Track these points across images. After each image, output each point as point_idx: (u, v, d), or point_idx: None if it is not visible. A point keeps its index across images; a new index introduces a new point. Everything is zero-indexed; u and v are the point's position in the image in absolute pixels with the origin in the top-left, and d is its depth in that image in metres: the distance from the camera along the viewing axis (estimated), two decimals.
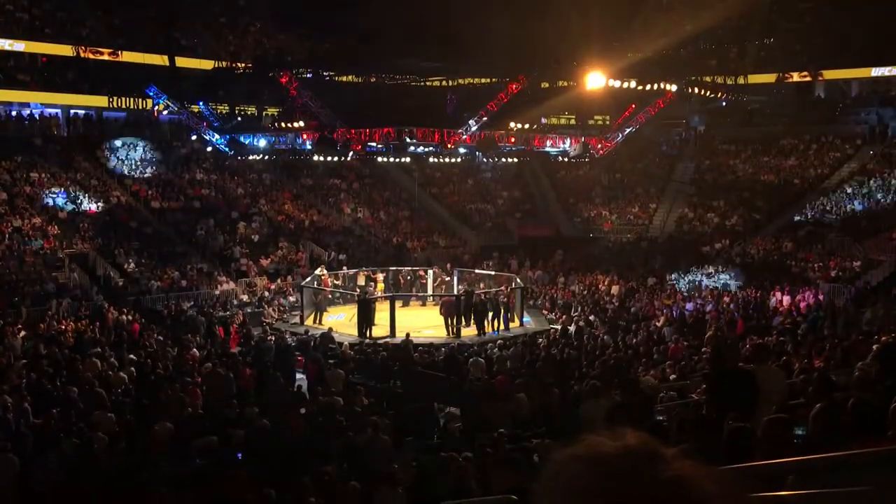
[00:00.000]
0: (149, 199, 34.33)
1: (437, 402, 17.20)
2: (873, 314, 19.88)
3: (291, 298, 29.73)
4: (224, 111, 39.25)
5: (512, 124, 36.36)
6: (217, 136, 35.20)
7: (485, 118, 31.71)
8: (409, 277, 31.18)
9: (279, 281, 31.13)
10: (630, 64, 35.30)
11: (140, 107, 39.48)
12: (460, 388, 16.51)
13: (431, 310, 27.54)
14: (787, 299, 25.79)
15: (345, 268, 31.53)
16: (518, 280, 29.74)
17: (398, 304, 26.28)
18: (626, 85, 33.44)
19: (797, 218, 35.55)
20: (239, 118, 40.23)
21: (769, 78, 46.05)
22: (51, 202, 31.27)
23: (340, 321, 26.57)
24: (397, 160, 38.72)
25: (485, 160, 40.69)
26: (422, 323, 25.66)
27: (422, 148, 35.01)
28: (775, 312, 24.08)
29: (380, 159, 38.21)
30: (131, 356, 18.84)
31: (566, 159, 39.61)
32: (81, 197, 32.39)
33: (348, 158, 37.45)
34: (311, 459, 11.28)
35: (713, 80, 41.67)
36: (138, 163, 36.51)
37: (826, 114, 43.92)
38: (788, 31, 47.22)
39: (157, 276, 28.84)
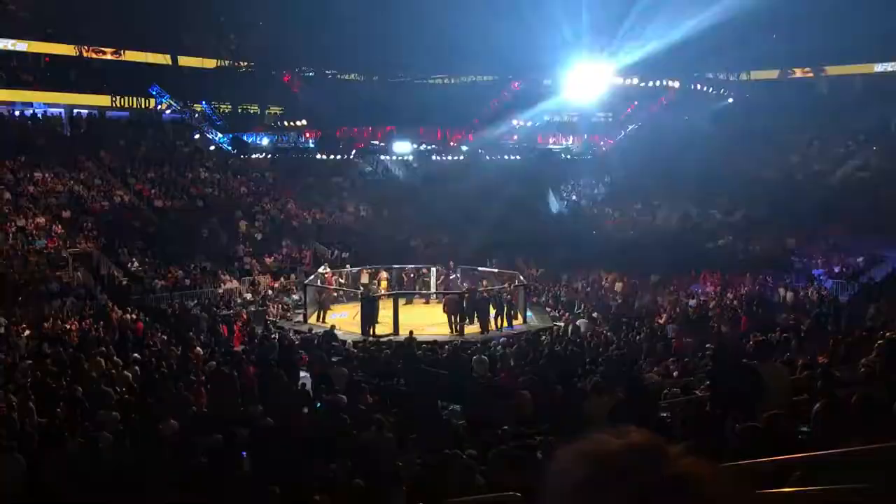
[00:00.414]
0: (152, 199, 34.36)
1: (440, 399, 17.21)
2: (877, 310, 19.84)
3: (295, 297, 29.75)
4: (227, 110, 39.29)
5: (514, 122, 36.39)
6: (220, 134, 35.25)
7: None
8: (412, 275, 31.19)
9: (282, 279, 31.15)
10: (633, 61, 35.33)
11: (143, 106, 39.56)
12: (464, 386, 16.51)
13: (435, 307, 27.53)
14: (790, 295, 25.76)
15: (348, 266, 31.52)
16: (521, 277, 29.73)
17: (401, 301, 26.29)
18: (629, 82, 33.47)
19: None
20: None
21: (772, 74, 45.98)
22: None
23: (344, 319, 26.57)
24: (400, 158, 38.72)
25: (487, 157, 40.66)
26: (425, 321, 25.65)
27: (424, 146, 35.04)
28: (779, 309, 24.07)
29: (382, 157, 38.23)
30: (135, 355, 18.85)
31: (569, 156, 39.62)
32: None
33: (351, 156, 37.48)
34: (316, 458, 11.30)
35: (716, 77, 41.64)
36: None
37: (829, 110, 43.78)
38: (791, 27, 47.08)
39: (160, 275, 28.87)
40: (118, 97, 39.50)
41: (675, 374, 16.22)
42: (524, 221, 42.17)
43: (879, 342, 11.99)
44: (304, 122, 35.00)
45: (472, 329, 25.03)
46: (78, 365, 17.46)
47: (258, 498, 9.49)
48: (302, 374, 19.28)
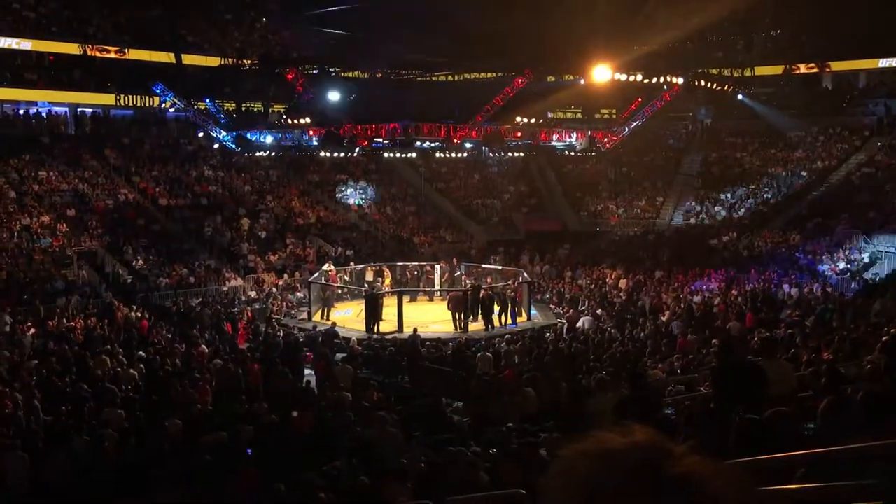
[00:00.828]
0: (156, 197, 34.41)
1: (444, 396, 17.23)
2: (882, 306, 19.78)
3: (299, 294, 29.78)
4: (230, 108, 39.29)
5: (518, 118, 36.33)
6: (224, 132, 35.26)
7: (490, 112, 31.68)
8: (415, 273, 31.19)
9: (286, 276, 31.18)
10: (636, 57, 35.25)
11: (147, 104, 39.60)
12: (468, 383, 16.52)
13: (439, 305, 27.54)
14: (795, 291, 25.72)
15: (352, 263, 31.54)
16: (525, 274, 29.71)
17: (405, 299, 26.31)
18: (632, 78, 33.39)
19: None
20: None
21: (776, 70, 45.89)
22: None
23: (348, 317, 26.61)
24: (403, 155, 38.69)
25: (491, 155, 40.64)
26: (429, 318, 25.66)
27: (428, 143, 35.00)
28: (783, 305, 24.01)
29: (386, 155, 38.21)
30: (140, 353, 18.90)
31: (572, 153, 39.59)
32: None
33: (355, 154, 37.46)
34: (321, 455, 11.32)
35: (720, 73, 41.54)
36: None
37: (833, 105, 43.68)
38: (795, 22, 46.98)
39: (165, 272, 28.93)
40: (122, 95, 39.53)
41: (679, 371, 16.22)
42: (528, 218, 42.22)
43: (884, 338, 11.98)
44: (307, 119, 34.94)
45: (476, 326, 25.04)
46: (83, 363, 17.52)
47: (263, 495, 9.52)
48: (307, 371, 19.33)
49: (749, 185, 39.46)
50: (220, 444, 11.66)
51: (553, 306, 29.68)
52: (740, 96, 41.82)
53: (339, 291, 28.58)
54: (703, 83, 37.87)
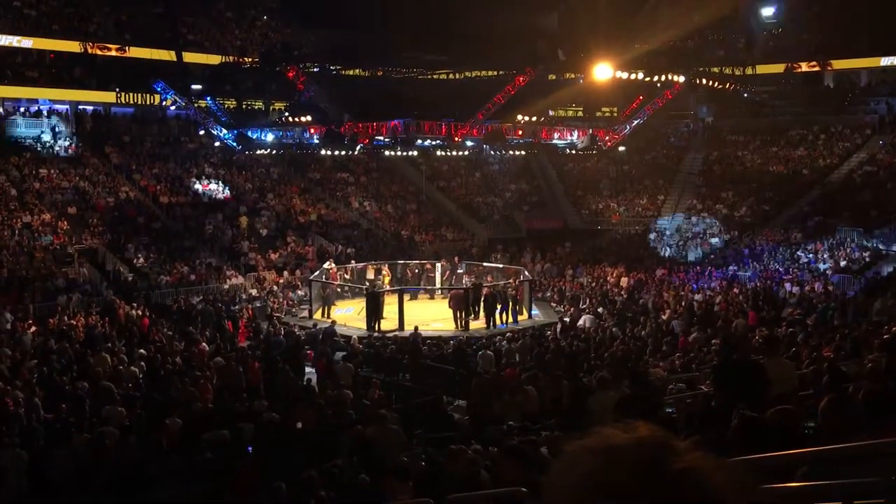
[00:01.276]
0: (157, 195, 34.41)
1: (445, 394, 17.23)
2: (883, 304, 19.80)
3: (300, 292, 29.78)
4: (231, 106, 39.29)
5: (519, 117, 36.30)
6: (224, 130, 35.25)
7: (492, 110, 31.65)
8: (416, 271, 31.15)
9: (286, 274, 31.19)
10: (637, 55, 35.20)
11: (148, 102, 39.60)
12: (469, 381, 16.52)
13: (440, 303, 27.55)
14: (796, 290, 25.73)
15: (353, 261, 31.55)
16: (526, 273, 29.71)
17: (406, 297, 26.31)
18: (633, 76, 33.35)
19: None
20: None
21: (778, 68, 45.89)
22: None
23: (349, 315, 26.61)
24: (404, 153, 38.69)
25: (492, 153, 40.62)
26: (430, 316, 25.66)
27: (429, 141, 34.98)
28: (785, 303, 24.02)
29: (387, 153, 38.21)
30: (141, 351, 18.91)
31: (574, 151, 39.56)
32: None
33: (355, 152, 37.46)
34: (321, 453, 11.32)
35: (721, 71, 41.52)
36: None
37: (835, 104, 43.70)
38: (797, 20, 46.98)
39: (166, 270, 28.94)
40: (123, 93, 39.55)
41: (680, 369, 16.22)
42: (529, 216, 42.22)
43: (885, 336, 11.97)
44: (308, 117, 34.93)
45: (477, 324, 25.04)
46: (84, 361, 17.53)
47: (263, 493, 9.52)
48: (308, 369, 19.33)
49: (750, 184, 39.44)
50: (221, 441, 11.66)
51: (554, 304, 29.69)
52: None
53: (340, 289, 28.57)
54: (704, 81, 37.83)
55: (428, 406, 15.95)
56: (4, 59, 37.93)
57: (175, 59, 38.89)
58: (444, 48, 40.19)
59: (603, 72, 31.83)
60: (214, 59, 40.51)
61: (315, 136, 34.53)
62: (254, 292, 29.16)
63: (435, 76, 40.61)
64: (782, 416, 5.21)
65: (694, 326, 21.04)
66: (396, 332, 23.28)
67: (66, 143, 35.08)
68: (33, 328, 21.21)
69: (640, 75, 33.49)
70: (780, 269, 29.38)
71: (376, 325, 24.23)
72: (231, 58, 39.37)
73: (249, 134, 34.90)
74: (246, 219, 34.38)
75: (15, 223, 28.60)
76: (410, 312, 24.92)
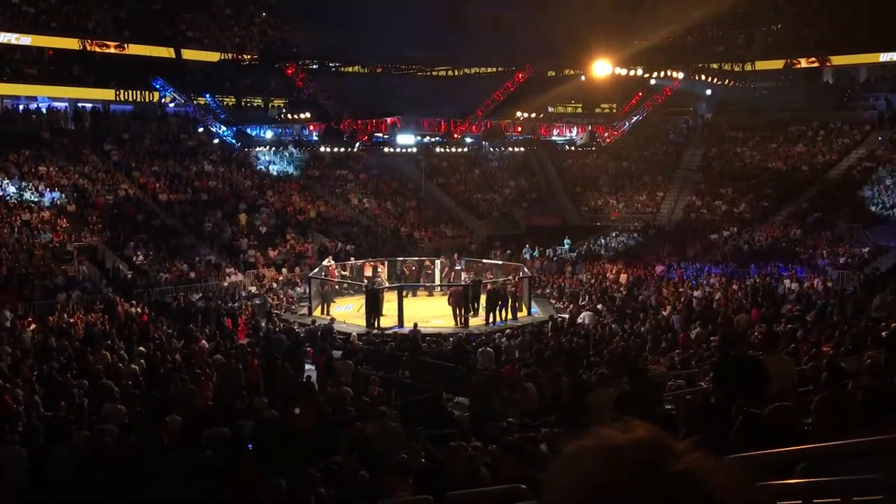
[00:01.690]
0: (156, 192, 34.39)
1: (445, 391, 17.24)
2: (882, 300, 19.78)
3: (299, 289, 29.79)
4: (230, 103, 39.28)
5: (518, 113, 36.31)
6: (224, 128, 35.23)
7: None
8: (413, 267, 31.02)
9: (285, 271, 31.19)
10: (637, 52, 35.22)
11: (147, 99, 39.59)
12: (468, 378, 16.52)
13: (439, 300, 27.54)
14: (795, 286, 25.74)
15: (352, 258, 31.54)
16: (525, 269, 29.71)
17: (405, 294, 26.28)
18: (632, 73, 33.37)
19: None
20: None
21: (777, 64, 45.87)
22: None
23: (348, 312, 26.61)
24: (404, 150, 38.72)
25: (491, 149, 40.62)
26: (430, 313, 25.66)
27: (428, 138, 34.99)
28: (784, 300, 24.03)
29: (386, 149, 38.24)
30: (140, 348, 18.91)
31: (573, 148, 39.57)
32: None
33: (355, 149, 37.50)
34: (321, 450, 11.32)
35: (720, 67, 41.52)
36: None
37: (834, 100, 43.70)
38: (796, 16, 46.94)
39: (165, 268, 28.93)
40: (122, 91, 39.53)
41: (679, 365, 16.22)
42: (528, 213, 42.23)
43: (884, 332, 11.97)
44: (307, 114, 34.93)
45: (476, 321, 25.04)
46: (84, 358, 17.53)
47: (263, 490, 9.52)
48: (308, 366, 19.34)
49: (750, 180, 39.45)
50: (221, 439, 11.67)
51: (553, 301, 29.70)
52: None
53: (338, 286, 28.56)
54: (703, 77, 37.83)
55: (427, 403, 15.96)
56: (3, 57, 37.90)
57: (174, 56, 38.87)
58: (444, 45, 40.16)
59: (602, 68, 31.83)
60: (213, 57, 40.48)
61: (314, 133, 34.52)
62: (253, 289, 29.16)
63: (434, 73, 40.60)
64: (781, 413, 5.22)
65: (694, 323, 21.04)
66: (396, 330, 23.28)
67: None
68: (33, 326, 21.21)
69: (640, 72, 33.51)
70: (780, 265, 29.39)
71: (376, 322, 24.22)
72: (230, 55, 39.34)
73: (248, 131, 34.90)
74: (245, 216, 34.37)
75: (14, 221, 28.58)
76: (410, 309, 24.91)
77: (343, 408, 13.34)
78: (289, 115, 37.08)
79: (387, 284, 27.52)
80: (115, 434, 11.83)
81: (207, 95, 36.91)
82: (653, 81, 35.71)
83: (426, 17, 40.15)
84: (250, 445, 11.03)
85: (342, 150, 37.71)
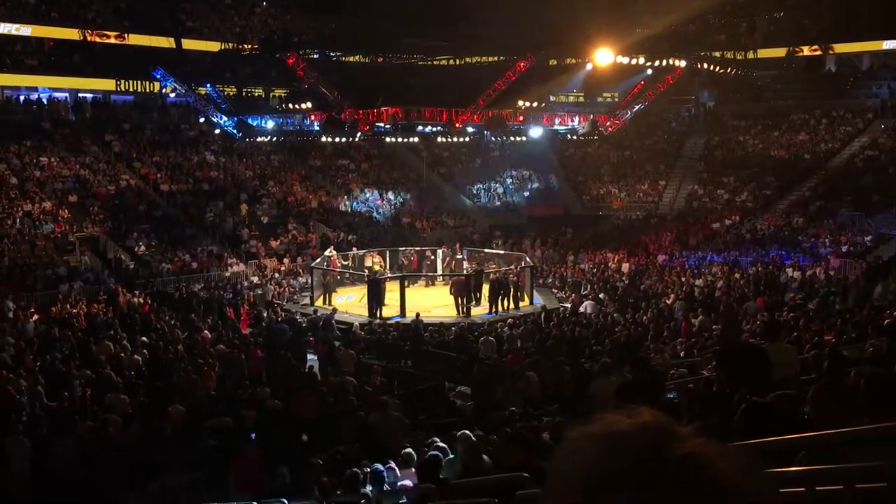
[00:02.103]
0: (158, 183, 34.38)
1: (447, 381, 17.27)
2: (884, 288, 19.80)
3: (301, 279, 29.81)
4: (231, 93, 39.19)
5: (520, 102, 36.19)
6: (225, 118, 35.17)
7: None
8: (411, 257, 30.89)
9: (286, 261, 31.21)
10: (638, 40, 35.07)
11: (147, 89, 39.52)
12: (471, 367, 16.55)
13: (441, 289, 27.55)
14: (797, 274, 25.73)
15: (354, 248, 31.54)
16: (527, 259, 29.69)
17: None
18: (634, 61, 33.23)
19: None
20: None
21: (779, 52, 45.69)
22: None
23: (350, 302, 26.63)
24: (405, 140, 38.63)
25: (493, 139, 40.54)
26: (432, 303, 25.67)
27: (430, 127, 34.91)
28: (786, 288, 24.04)
29: (388, 139, 38.14)
30: (143, 339, 18.94)
31: (575, 137, 39.46)
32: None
33: (356, 139, 37.40)
34: (324, 439, 11.36)
35: (722, 56, 41.35)
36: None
37: (837, 88, 43.53)
38: (798, 4, 46.73)
39: (167, 258, 28.95)
40: (123, 81, 39.46)
41: (682, 354, 16.24)
42: (530, 203, 42.21)
43: (886, 321, 11.97)
44: (308, 104, 34.85)
45: (478, 311, 25.05)
46: (87, 349, 17.57)
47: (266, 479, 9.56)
48: (310, 356, 19.38)
49: (752, 169, 39.37)
50: (224, 428, 11.71)
51: (556, 290, 29.70)
52: None
53: (340, 276, 28.56)
54: (705, 66, 37.69)
55: (430, 392, 16.01)
56: (3, 47, 37.81)
57: (174, 46, 38.77)
58: (445, 34, 39.99)
59: (604, 57, 31.69)
60: (214, 46, 40.37)
61: (315, 123, 34.45)
62: (255, 280, 29.19)
63: (435, 62, 40.48)
64: (783, 402, 5.22)
65: (696, 311, 21.05)
66: (398, 319, 23.30)
67: None
68: (35, 317, 21.25)
69: (642, 60, 33.38)
70: (782, 254, 29.36)
71: (378, 312, 24.24)
72: (230, 45, 39.23)
73: (250, 121, 34.83)
74: (246, 206, 34.36)
75: (16, 212, 28.59)
76: (412, 299, 24.92)
77: (345, 397, 13.39)
78: (290, 105, 36.97)
79: (388, 274, 27.54)
80: (119, 424, 11.87)
81: (208, 85, 36.82)
82: (649, 71, 35.60)
83: (427, 6, 39.99)
84: (253, 435, 11.06)
85: (343, 139, 37.64)
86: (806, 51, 45.16)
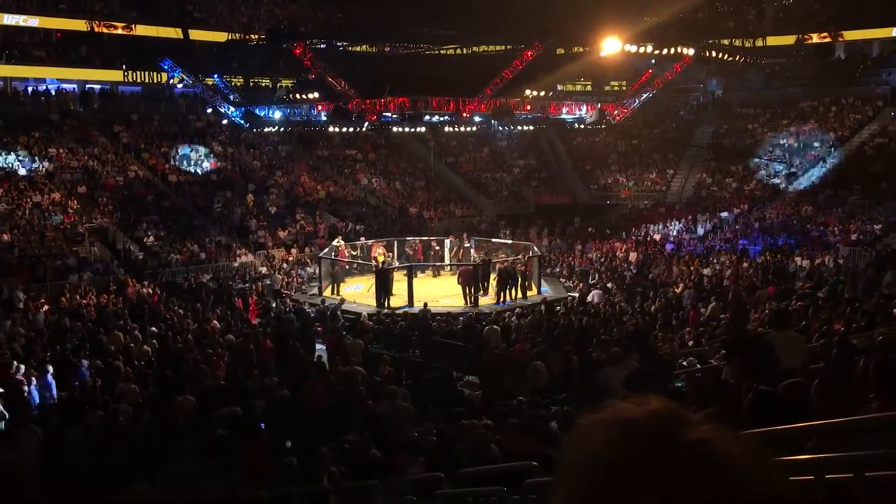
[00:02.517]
0: (166, 173, 34.44)
1: (455, 370, 17.30)
2: (893, 277, 19.70)
3: (310, 269, 29.86)
4: (239, 83, 39.21)
5: (527, 92, 36.12)
6: (232, 108, 35.20)
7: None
8: (415, 247, 30.80)
9: (294, 252, 31.25)
10: (646, 28, 34.93)
11: (155, 80, 39.57)
12: (479, 357, 16.58)
13: (449, 279, 27.55)
14: (806, 263, 25.62)
15: (362, 238, 31.56)
16: (535, 248, 29.66)
17: (403, 273, 26.28)
18: (642, 50, 33.10)
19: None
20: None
21: (788, 40, 45.41)
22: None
23: (359, 292, 26.66)
24: (413, 130, 38.60)
25: (500, 128, 40.48)
26: (440, 292, 25.67)
27: (437, 117, 34.87)
28: (795, 277, 23.94)
29: (395, 129, 38.13)
30: (153, 329, 19.03)
31: (582, 126, 39.37)
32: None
33: (363, 129, 37.41)
34: (333, 429, 11.40)
35: (731, 43, 41.14)
36: None
37: (846, 75, 43.22)
38: None
39: (176, 249, 29.03)
40: (130, 72, 39.52)
41: (690, 343, 16.23)
42: (538, 192, 42.15)
43: (895, 310, 11.94)
44: (315, 94, 34.86)
45: (486, 300, 25.06)
46: (96, 339, 17.66)
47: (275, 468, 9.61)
48: (318, 346, 19.43)
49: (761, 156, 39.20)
50: (234, 418, 11.76)
51: (563, 280, 29.67)
52: None
53: (349, 266, 28.59)
54: (714, 54, 37.51)
55: (438, 382, 16.03)
56: (11, 38, 37.90)
57: (182, 36, 38.78)
58: (452, 23, 39.91)
59: (611, 45, 31.58)
60: (221, 37, 40.38)
61: (323, 113, 34.45)
62: (263, 270, 29.26)
63: (442, 51, 40.40)
64: (792, 390, 5.22)
65: (707, 299, 21.01)
66: (406, 309, 23.31)
67: None
68: (46, 307, 21.36)
69: (650, 48, 33.24)
70: (790, 242, 29.25)
71: (386, 302, 24.26)
72: (237, 35, 39.23)
73: (257, 111, 34.86)
74: (252, 196, 34.41)
75: (25, 203, 28.71)
76: (420, 289, 24.93)
77: (354, 387, 13.42)
78: (297, 95, 36.97)
79: (396, 264, 27.55)
80: (129, 413, 11.94)
81: (215, 76, 36.86)
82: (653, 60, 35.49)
83: None
84: (262, 424, 11.12)
85: (351, 129, 37.65)
86: (815, 38, 44.86)
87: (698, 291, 22.64)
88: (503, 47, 37.92)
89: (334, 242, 29.31)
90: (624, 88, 45.77)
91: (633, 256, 30.37)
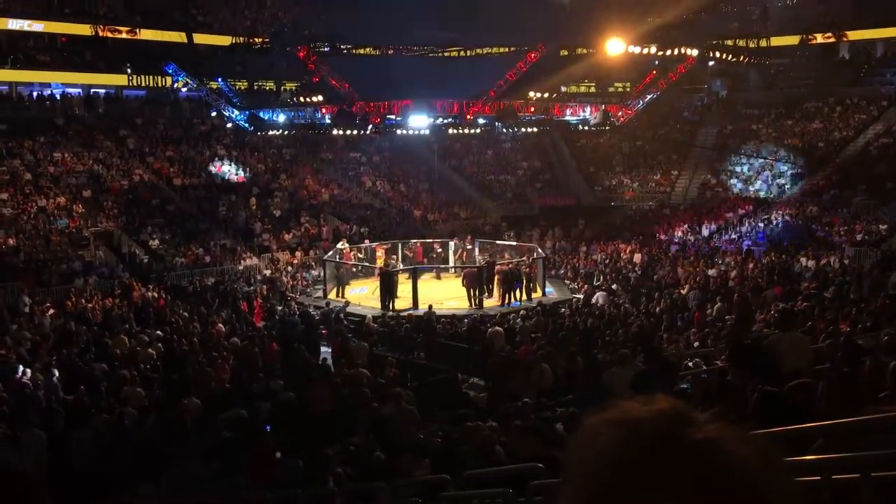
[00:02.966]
0: (171, 177, 34.50)
1: (460, 372, 17.29)
2: None
3: (314, 272, 29.89)
4: (243, 87, 39.27)
5: (531, 93, 36.13)
6: (236, 112, 35.26)
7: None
8: (415, 249, 30.74)
9: (299, 254, 31.28)
10: (650, 29, 34.91)
11: (159, 84, 39.66)
12: (484, 359, 16.57)
13: (454, 281, 27.55)
14: (812, 264, 25.57)
15: (367, 241, 31.57)
16: (539, 250, 29.65)
17: (406, 276, 26.26)
18: (646, 51, 33.08)
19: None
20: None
21: (792, 40, 45.33)
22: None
23: (363, 294, 26.68)
24: (416, 132, 38.63)
25: (504, 130, 40.47)
26: (444, 294, 25.68)
27: (441, 119, 34.88)
28: (800, 277, 23.89)
29: (399, 132, 38.15)
30: (158, 332, 19.06)
31: (586, 128, 39.35)
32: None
33: (367, 132, 37.44)
34: (338, 431, 11.40)
35: (735, 44, 41.10)
36: None
37: (851, 75, 43.15)
38: None
39: (181, 252, 29.07)
40: (135, 76, 39.62)
41: (695, 344, 16.20)
42: (542, 194, 42.12)
43: None
44: (319, 97, 34.90)
45: (491, 302, 25.05)
46: (102, 342, 17.70)
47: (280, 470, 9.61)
48: (323, 349, 19.45)
49: (765, 158, 39.14)
50: (239, 421, 11.77)
51: (568, 282, 29.65)
52: None
53: (353, 269, 28.61)
54: (718, 54, 37.47)
55: (443, 384, 16.03)
56: (16, 43, 38.03)
57: (186, 40, 38.86)
58: (456, 25, 39.93)
59: (615, 46, 31.56)
60: (225, 41, 40.46)
61: (327, 116, 34.49)
62: (268, 273, 29.29)
63: (446, 54, 40.42)
64: (799, 391, 5.21)
65: (713, 300, 20.97)
66: (411, 311, 23.32)
67: None
68: (51, 311, 21.40)
69: (653, 49, 33.22)
70: (795, 243, 29.19)
71: (391, 305, 24.28)
72: (241, 39, 39.31)
73: (261, 115, 34.91)
74: (255, 200, 34.45)
75: (30, 207, 28.79)
76: (424, 291, 24.95)
77: (359, 389, 13.42)
78: (301, 99, 37.00)
79: (401, 266, 27.57)
80: (135, 416, 11.96)
81: (219, 79, 36.92)
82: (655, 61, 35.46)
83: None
84: (268, 427, 11.12)
85: (355, 132, 37.68)
86: (819, 38, 44.78)
87: (703, 292, 22.59)
88: (507, 49, 37.93)
89: (339, 245, 29.35)
90: (628, 90, 45.73)
91: (637, 258, 30.34)
